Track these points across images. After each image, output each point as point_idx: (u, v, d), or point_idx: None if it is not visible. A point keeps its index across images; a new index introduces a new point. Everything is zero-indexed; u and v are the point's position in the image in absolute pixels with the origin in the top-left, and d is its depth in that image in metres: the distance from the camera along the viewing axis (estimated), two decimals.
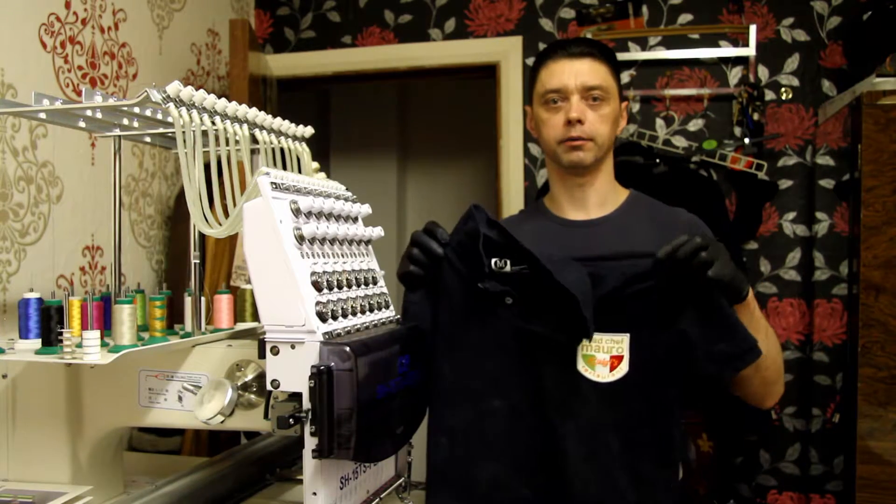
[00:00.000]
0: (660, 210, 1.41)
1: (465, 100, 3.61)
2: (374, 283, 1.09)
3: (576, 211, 1.40)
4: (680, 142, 2.49)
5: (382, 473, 1.09)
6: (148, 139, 1.27)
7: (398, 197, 3.88)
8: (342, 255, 1.03)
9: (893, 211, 1.98)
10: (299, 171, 1.21)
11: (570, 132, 1.32)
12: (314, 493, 0.90)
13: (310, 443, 0.87)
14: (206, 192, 1.00)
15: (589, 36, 2.50)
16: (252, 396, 1.03)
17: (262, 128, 1.13)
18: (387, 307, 1.09)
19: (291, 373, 0.89)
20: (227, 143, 1.03)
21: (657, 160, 2.39)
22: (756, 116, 2.37)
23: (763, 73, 2.46)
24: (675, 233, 1.25)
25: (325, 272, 0.95)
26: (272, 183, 0.93)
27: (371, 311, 1.04)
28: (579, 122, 1.31)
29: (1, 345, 1.05)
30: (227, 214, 1.01)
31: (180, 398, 1.08)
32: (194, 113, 0.98)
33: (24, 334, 1.05)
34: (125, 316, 1.00)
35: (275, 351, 0.90)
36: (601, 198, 1.39)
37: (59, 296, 1.04)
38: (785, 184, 2.45)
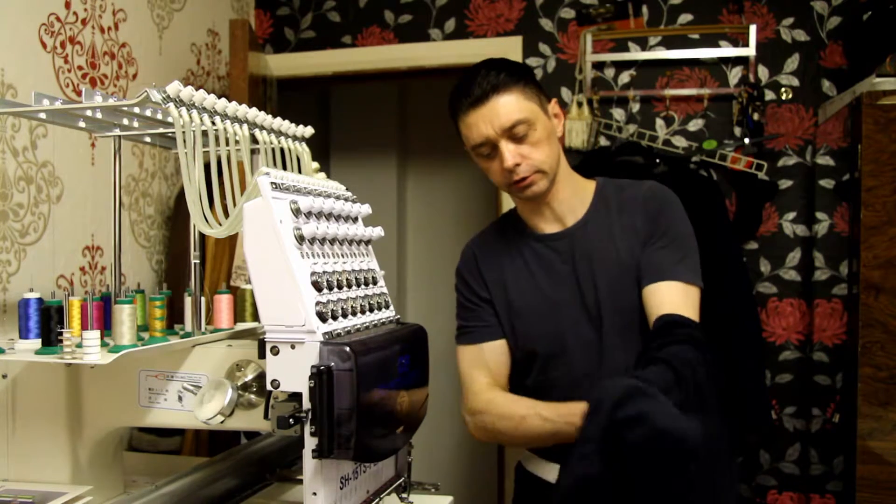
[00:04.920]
0: (624, 191, 1.40)
1: None
2: (374, 283, 1.09)
3: (549, 224, 1.40)
4: (680, 142, 2.49)
5: (382, 473, 1.09)
6: (148, 139, 1.27)
7: (398, 197, 3.87)
8: (342, 255, 1.03)
9: (893, 211, 1.98)
10: (299, 171, 1.21)
11: (512, 177, 1.30)
12: (314, 493, 0.90)
13: (310, 443, 0.87)
14: (206, 192, 1.00)
15: (589, 36, 2.50)
16: (252, 396, 1.03)
17: (262, 128, 1.13)
18: (387, 307, 1.10)
19: (291, 373, 0.89)
20: (227, 143, 1.03)
21: (657, 160, 2.39)
22: (756, 116, 2.37)
23: (763, 73, 2.46)
24: (635, 214, 1.35)
25: (325, 272, 0.95)
26: (272, 183, 0.93)
27: (371, 311, 1.04)
28: (518, 165, 1.29)
29: (1, 345, 1.05)
30: (227, 214, 1.01)
31: (180, 398, 1.08)
32: (194, 113, 0.98)
33: (24, 334, 1.05)
34: (125, 316, 1.00)
35: (275, 351, 0.90)
36: (570, 206, 1.38)
37: (59, 296, 1.04)
38: (785, 184, 2.44)
